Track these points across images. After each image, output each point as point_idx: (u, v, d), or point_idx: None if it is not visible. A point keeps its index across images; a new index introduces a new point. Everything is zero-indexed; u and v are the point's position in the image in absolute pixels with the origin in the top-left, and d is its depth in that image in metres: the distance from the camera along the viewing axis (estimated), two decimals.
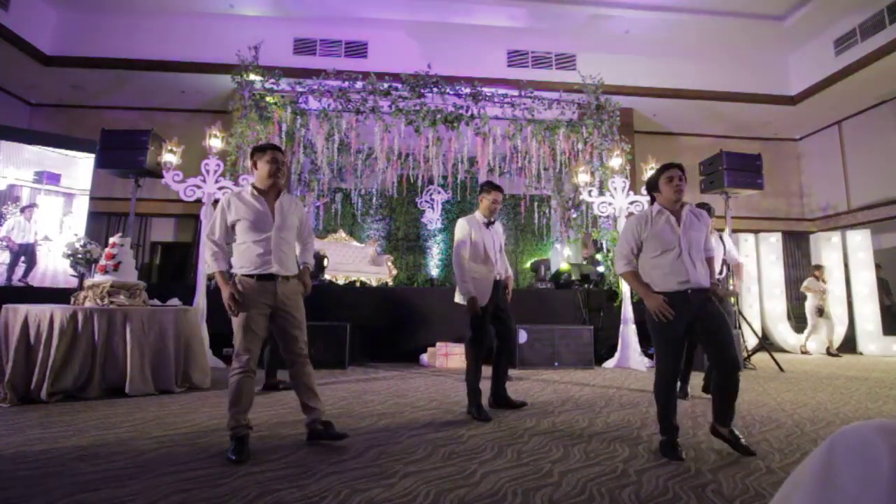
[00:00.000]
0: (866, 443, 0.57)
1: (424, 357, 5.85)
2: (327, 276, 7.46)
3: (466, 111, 6.93)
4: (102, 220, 8.97)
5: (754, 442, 2.58)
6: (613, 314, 6.20)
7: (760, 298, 8.24)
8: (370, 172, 8.83)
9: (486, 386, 3.50)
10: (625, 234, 2.66)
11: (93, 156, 7.67)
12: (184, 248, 9.20)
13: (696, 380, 4.11)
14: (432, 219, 10.02)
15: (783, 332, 8.09)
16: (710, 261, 2.65)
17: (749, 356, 5.96)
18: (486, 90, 7.05)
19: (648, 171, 6.09)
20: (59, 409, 3.24)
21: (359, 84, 6.80)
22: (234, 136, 6.30)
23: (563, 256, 8.80)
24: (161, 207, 9.09)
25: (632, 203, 6.18)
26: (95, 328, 3.70)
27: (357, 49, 8.33)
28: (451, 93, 6.93)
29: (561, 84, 7.72)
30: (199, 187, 5.59)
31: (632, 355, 5.71)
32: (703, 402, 3.68)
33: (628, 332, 5.80)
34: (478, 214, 3.49)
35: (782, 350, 7.84)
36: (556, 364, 5.53)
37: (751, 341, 6.76)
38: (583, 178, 6.54)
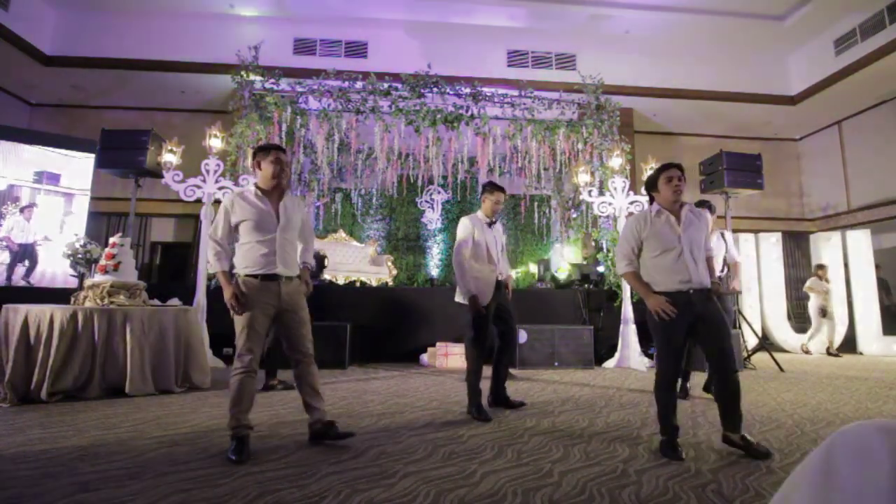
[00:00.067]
0: (866, 443, 0.57)
1: (424, 357, 5.85)
2: (327, 276, 7.46)
3: (466, 111, 6.93)
4: (102, 220, 8.96)
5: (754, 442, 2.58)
6: (613, 314, 6.20)
7: (760, 298, 8.24)
8: (370, 172, 8.83)
9: (485, 385, 3.51)
10: (625, 234, 2.66)
11: (93, 156, 7.67)
12: (184, 248, 9.20)
13: (698, 379, 4.10)
14: (432, 219, 10.01)
15: (783, 332, 8.08)
16: (709, 260, 2.65)
17: (749, 356, 5.95)
18: (486, 90, 7.05)
19: (648, 171, 6.08)
20: (59, 409, 3.24)
21: (359, 84, 6.80)
22: (234, 136, 6.30)
23: (564, 256, 8.80)
24: (161, 207, 9.09)
25: (632, 203, 6.18)
26: (95, 328, 3.70)
27: (357, 49, 8.33)
28: (451, 93, 6.93)
29: (561, 84, 7.72)
30: (199, 187, 5.59)
31: (632, 355, 5.71)
32: (703, 402, 3.68)
33: (628, 332, 5.80)
34: (480, 214, 3.50)
35: (782, 350, 7.84)
36: (556, 364, 5.53)
37: (751, 341, 6.76)
38: (583, 178, 6.54)
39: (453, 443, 2.57)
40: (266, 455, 2.32)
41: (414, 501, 1.81)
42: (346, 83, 6.76)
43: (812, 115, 9.45)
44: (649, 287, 2.53)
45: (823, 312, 7.48)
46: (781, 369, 5.52)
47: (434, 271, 9.83)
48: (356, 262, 8.41)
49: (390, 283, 8.42)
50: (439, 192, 9.99)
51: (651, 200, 2.69)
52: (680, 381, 3.80)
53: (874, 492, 0.53)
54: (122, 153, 5.89)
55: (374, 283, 8.13)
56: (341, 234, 8.98)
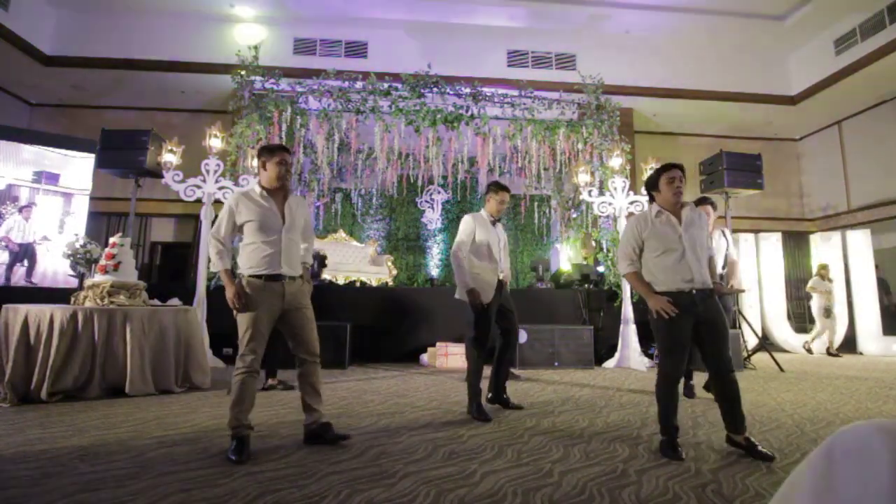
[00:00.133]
0: (866, 443, 0.57)
1: (424, 357, 5.85)
2: (327, 276, 7.45)
3: (466, 111, 6.93)
4: (102, 220, 8.96)
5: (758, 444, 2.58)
6: (613, 314, 6.20)
7: (760, 298, 8.24)
8: (370, 172, 8.83)
9: (485, 385, 3.51)
10: (626, 235, 2.66)
11: (92, 156, 7.66)
12: (184, 248, 9.20)
13: (698, 379, 4.09)
14: (432, 219, 10.01)
15: (783, 332, 8.08)
16: (710, 259, 2.65)
17: (749, 356, 5.95)
18: (486, 90, 7.04)
19: (648, 171, 6.08)
20: (59, 409, 3.24)
21: (359, 84, 6.80)
22: (234, 136, 6.29)
23: (565, 256, 8.80)
24: (161, 207, 9.09)
25: (632, 203, 6.18)
26: (95, 328, 3.70)
27: (357, 49, 8.33)
28: (451, 93, 6.93)
29: (561, 84, 7.71)
30: (199, 187, 5.60)
31: (632, 355, 5.71)
32: (703, 402, 3.68)
33: (628, 332, 5.80)
34: (483, 212, 3.50)
35: (782, 350, 7.84)
36: (556, 364, 5.53)
37: (751, 341, 6.76)
38: (583, 178, 6.53)
39: (453, 443, 2.57)
40: (266, 455, 2.32)
41: (414, 501, 1.81)
42: (346, 83, 6.76)
43: (812, 115, 9.45)
44: (651, 287, 2.53)
45: (828, 313, 7.47)
46: (781, 369, 5.52)
47: (434, 271, 9.83)
48: (356, 262, 8.41)
49: (390, 283, 8.42)
50: (439, 192, 9.99)
51: (651, 200, 2.68)
52: (683, 380, 3.81)
53: (874, 492, 0.53)
54: (122, 153, 5.89)
55: (374, 283, 8.13)
56: (341, 234, 8.98)
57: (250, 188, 2.60)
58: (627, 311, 5.87)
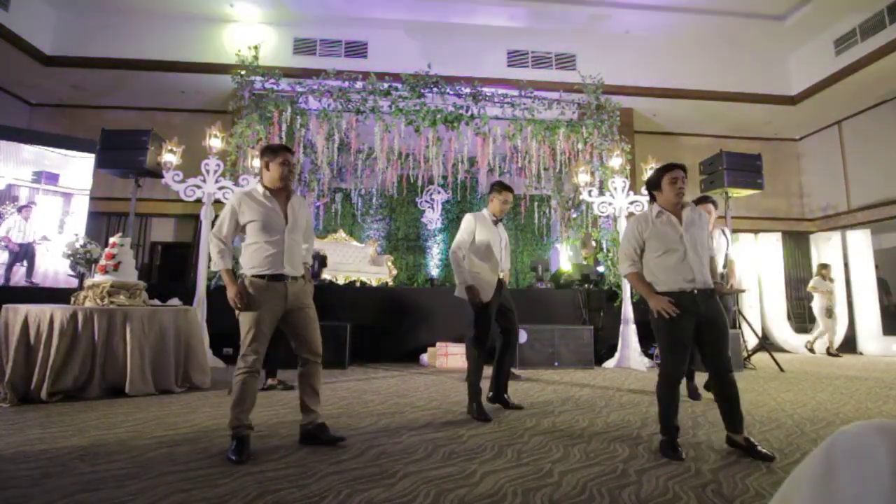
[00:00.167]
0: (866, 443, 0.57)
1: (424, 357, 5.85)
2: (327, 276, 7.46)
3: (466, 111, 6.93)
4: (102, 220, 8.96)
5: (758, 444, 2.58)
6: (613, 314, 6.20)
7: (760, 298, 8.24)
8: (370, 172, 8.83)
9: (485, 385, 3.51)
10: (627, 235, 2.66)
11: (92, 156, 7.66)
12: (184, 248, 9.19)
13: (700, 379, 4.09)
14: (432, 219, 10.01)
15: (783, 332, 8.08)
16: (710, 260, 2.65)
17: (749, 356, 5.95)
18: (486, 90, 7.05)
19: (648, 171, 6.08)
20: (59, 409, 3.24)
21: (359, 84, 6.80)
22: (234, 136, 6.30)
23: (566, 256, 8.80)
24: (161, 207, 9.09)
25: (632, 203, 6.18)
26: (95, 328, 3.70)
27: (357, 49, 8.33)
28: (451, 93, 6.93)
29: (561, 84, 7.71)
30: (199, 187, 5.59)
31: (632, 355, 5.71)
32: (703, 402, 3.68)
33: (628, 332, 5.80)
34: (486, 212, 3.51)
35: (782, 350, 7.84)
36: (556, 364, 5.53)
37: (751, 341, 6.76)
38: (583, 178, 6.54)
39: (453, 443, 2.57)
40: (266, 455, 2.32)
41: (414, 501, 1.81)
42: (346, 83, 6.76)
43: (812, 115, 9.45)
44: (652, 287, 2.53)
45: (829, 313, 7.47)
46: (781, 369, 5.52)
47: (434, 271, 9.83)
48: (356, 262, 8.41)
49: (390, 283, 8.42)
50: (439, 192, 9.99)
51: (652, 200, 2.68)
52: (686, 381, 3.81)
53: (874, 492, 0.53)
54: (122, 153, 5.89)
55: (374, 283, 8.13)
56: (341, 234, 8.98)
57: (253, 188, 2.59)
58: (627, 311, 5.87)
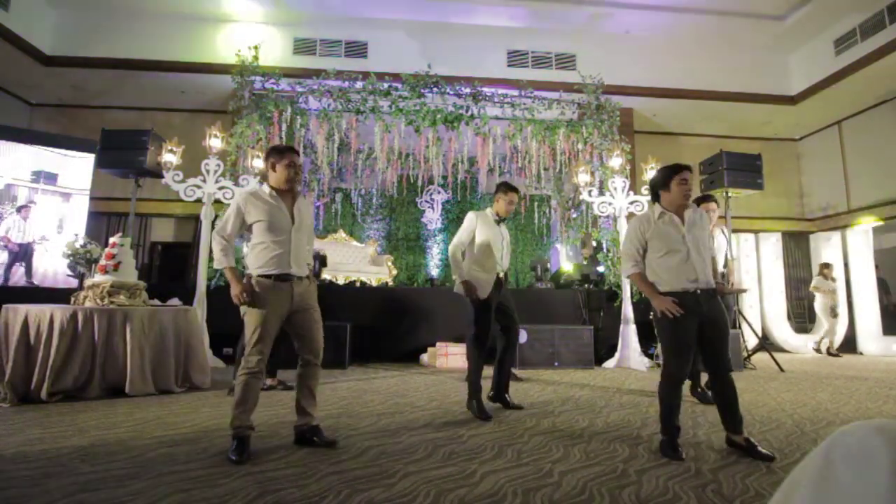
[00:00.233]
0: (865, 442, 0.57)
1: (424, 357, 5.85)
2: (327, 276, 7.46)
3: (466, 111, 6.93)
4: (102, 220, 8.96)
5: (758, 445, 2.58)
6: (613, 314, 6.20)
7: (760, 298, 8.24)
8: (370, 172, 8.83)
9: (486, 385, 3.51)
10: (629, 236, 2.65)
11: (92, 155, 7.66)
12: (184, 248, 9.19)
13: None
14: (432, 219, 10.01)
15: (783, 332, 8.08)
16: (711, 260, 2.65)
17: (749, 356, 5.95)
18: (486, 90, 7.05)
19: (648, 171, 6.08)
20: (59, 409, 3.24)
21: (359, 84, 6.80)
22: (234, 136, 6.29)
23: (566, 256, 8.80)
24: (161, 207, 9.08)
25: (632, 203, 6.18)
26: (95, 328, 3.70)
27: (357, 49, 8.33)
28: (451, 93, 6.93)
29: (561, 84, 7.71)
30: (199, 187, 5.60)
31: (632, 355, 5.71)
32: (703, 402, 3.68)
33: (628, 332, 5.80)
34: (489, 211, 3.51)
35: (782, 350, 7.84)
36: (556, 364, 5.53)
37: (751, 341, 6.76)
38: (583, 178, 6.54)
39: (453, 443, 2.57)
40: (266, 455, 2.32)
41: (414, 501, 1.81)
42: (346, 83, 6.76)
43: (812, 115, 9.44)
44: (655, 288, 2.52)
45: (834, 312, 7.47)
46: (781, 369, 5.52)
47: (434, 271, 9.83)
48: (356, 262, 8.41)
49: (390, 283, 8.42)
50: (439, 192, 9.99)
51: (654, 199, 2.65)
52: (691, 385, 3.79)
53: (873, 492, 0.53)
54: (122, 153, 5.89)
55: (374, 283, 8.12)
56: (341, 234, 8.98)
57: (260, 188, 2.59)
58: (627, 311, 5.87)
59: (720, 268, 4.23)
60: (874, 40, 7.43)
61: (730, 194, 6.64)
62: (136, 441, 2.53)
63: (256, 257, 2.47)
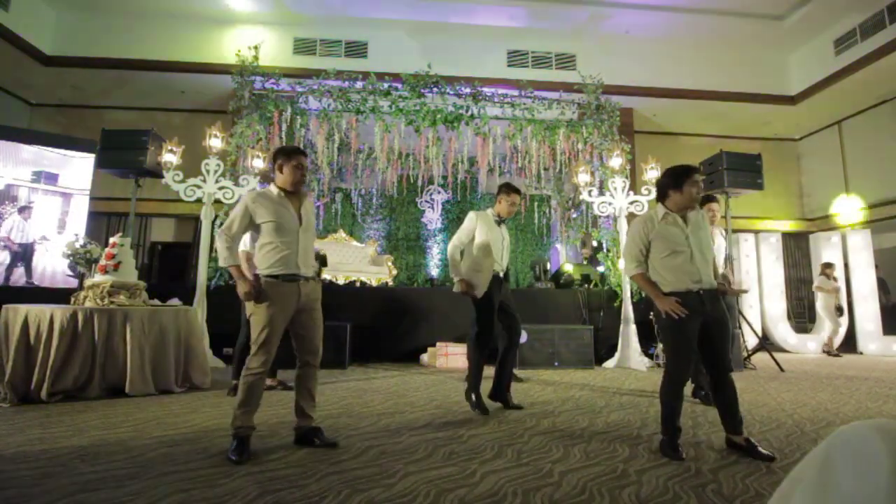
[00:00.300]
0: (865, 442, 0.57)
1: (424, 357, 5.85)
2: (327, 276, 7.45)
3: (466, 111, 6.93)
4: (102, 220, 8.96)
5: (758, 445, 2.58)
6: (613, 314, 6.20)
7: (760, 298, 8.24)
8: (370, 172, 8.84)
9: (486, 385, 3.50)
10: (632, 236, 2.65)
11: (92, 155, 7.66)
12: (184, 249, 9.19)
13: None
14: (432, 219, 10.02)
15: (783, 332, 8.08)
16: (713, 260, 2.65)
17: (749, 356, 5.95)
18: (486, 90, 7.05)
19: (648, 171, 6.08)
20: (59, 409, 3.24)
21: (359, 84, 6.80)
22: (234, 136, 6.29)
23: (567, 256, 8.80)
24: (161, 207, 9.09)
25: (632, 203, 6.18)
26: (95, 328, 3.70)
27: (357, 49, 8.33)
28: (451, 93, 6.93)
29: (561, 84, 7.72)
30: (199, 187, 5.60)
31: (632, 355, 5.71)
32: (703, 402, 3.67)
33: (628, 332, 5.79)
34: (490, 212, 3.52)
35: (782, 350, 7.84)
36: (556, 364, 5.53)
37: (751, 341, 6.76)
38: (583, 178, 6.53)
39: (453, 443, 2.57)
40: (266, 455, 2.32)
41: (414, 501, 1.81)
42: (346, 83, 6.76)
43: (812, 115, 9.45)
44: (658, 288, 2.52)
45: (840, 311, 7.46)
46: (781, 369, 5.52)
47: (434, 271, 9.83)
48: (356, 262, 8.41)
49: (390, 283, 8.42)
50: (439, 192, 9.99)
51: (659, 199, 2.61)
52: (694, 387, 3.78)
53: (873, 492, 0.53)
54: (122, 153, 5.88)
55: (374, 283, 8.13)
56: (341, 234, 8.98)
57: (267, 188, 2.60)
58: (627, 311, 5.87)
59: (721, 269, 4.22)
60: (874, 40, 7.43)
61: (730, 194, 6.63)
62: (136, 441, 2.53)
63: (264, 258, 2.47)
